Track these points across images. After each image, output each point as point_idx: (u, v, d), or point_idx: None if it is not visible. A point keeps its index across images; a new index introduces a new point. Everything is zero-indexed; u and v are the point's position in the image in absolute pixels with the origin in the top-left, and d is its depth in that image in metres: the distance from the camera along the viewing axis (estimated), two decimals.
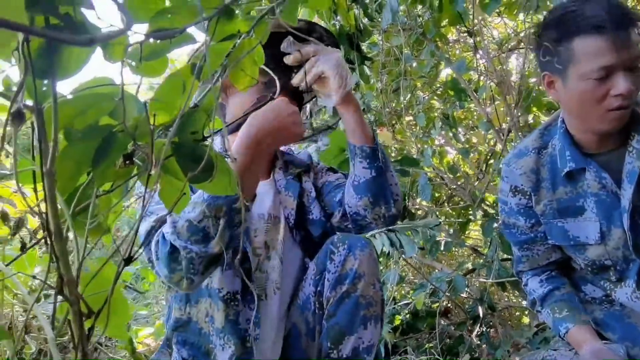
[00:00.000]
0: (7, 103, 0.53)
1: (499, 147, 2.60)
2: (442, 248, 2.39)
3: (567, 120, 1.26)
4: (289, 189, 1.33)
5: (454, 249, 2.80)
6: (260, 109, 1.12)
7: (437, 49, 2.42)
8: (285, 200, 1.32)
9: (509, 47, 2.74)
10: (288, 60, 1.18)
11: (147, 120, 0.58)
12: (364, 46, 2.42)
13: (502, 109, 2.54)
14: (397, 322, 2.44)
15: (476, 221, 2.67)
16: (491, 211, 2.39)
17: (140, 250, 1.03)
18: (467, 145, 2.89)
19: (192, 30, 0.60)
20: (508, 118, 2.43)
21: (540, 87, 2.27)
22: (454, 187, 2.76)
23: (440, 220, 2.57)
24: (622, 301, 1.26)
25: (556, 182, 1.27)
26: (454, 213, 2.89)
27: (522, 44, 2.64)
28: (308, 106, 2.09)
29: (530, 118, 2.56)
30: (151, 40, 0.59)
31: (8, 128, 0.52)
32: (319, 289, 1.23)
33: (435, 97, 2.91)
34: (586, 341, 1.21)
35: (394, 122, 2.85)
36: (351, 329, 1.17)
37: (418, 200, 2.81)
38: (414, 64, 2.54)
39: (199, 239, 1.02)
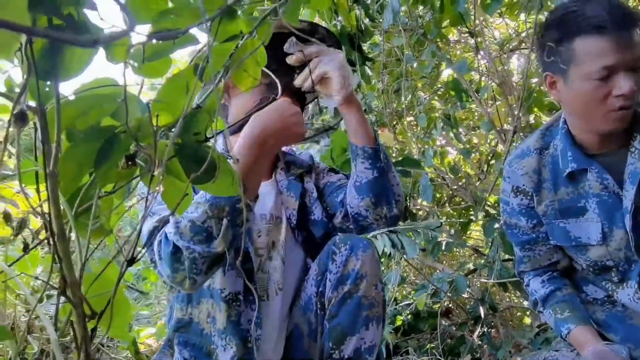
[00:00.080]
0: (10, 104, 0.53)
1: (500, 147, 2.60)
2: (443, 248, 2.39)
3: (568, 120, 1.26)
4: (291, 190, 1.33)
5: (455, 249, 2.80)
6: (262, 109, 1.12)
7: (439, 49, 2.42)
8: (287, 200, 1.32)
9: (510, 47, 2.74)
10: (291, 60, 1.19)
11: (150, 121, 0.58)
12: (365, 47, 2.43)
13: (503, 109, 2.54)
14: (398, 323, 2.44)
15: (477, 221, 2.67)
16: (492, 211, 2.39)
17: (143, 251, 1.03)
18: (468, 146, 2.89)
19: (194, 31, 0.60)
20: (509, 118, 2.43)
21: (541, 88, 2.27)
22: (455, 187, 2.76)
23: (442, 220, 2.57)
24: (624, 302, 1.26)
25: (558, 182, 1.27)
26: (455, 213, 2.89)
27: (524, 44, 2.64)
28: (310, 107, 2.09)
29: (531, 118, 2.55)
30: (154, 41, 0.59)
31: (11, 129, 0.52)
32: (320, 289, 1.22)
33: (437, 98, 2.91)
34: (588, 342, 1.21)
35: (395, 122, 2.85)
36: (353, 329, 1.17)
37: (419, 200, 2.81)
38: (415, 65, 2.54)
39: (202, 239, 1.02)
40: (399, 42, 2.41)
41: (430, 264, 2.76)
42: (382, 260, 2.44)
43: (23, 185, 0.57)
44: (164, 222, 1.09)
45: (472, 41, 2.47)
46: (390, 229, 2.06)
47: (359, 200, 1.24)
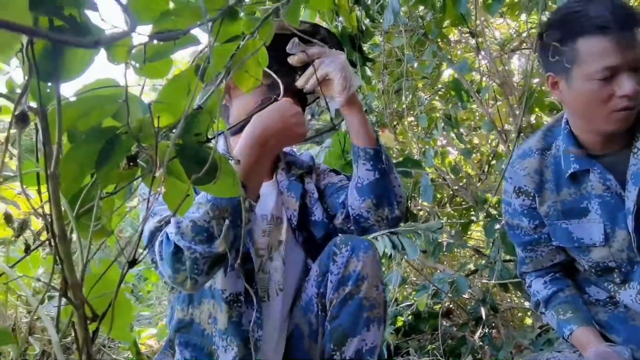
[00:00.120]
0: (11, 105, 0.53)
1: (501, 147, 2.60)
2: (444, 249, 2.39)
3: (571, 121, 1.25)
4: (292, 190, 1.33)
5: (456, 250, 2.80)
6: (263, 109, 1.12)
7: (439, 49, 2.42)
8: (287, 201, 1.32)
9: (511, 47, 2.74)
10: (292, 60, 1.19)
11: (151, 122, 0.58)
12: (365, 47, 2.42)
13: (504, 109, 2.54)
14: (399, 324, 2.44)
15: (478, 222, 2.67)
16: (493, 212, 2.39)
17: (145, 253, 1.03)
18: (469, 146, 2.89)
19: (195, 31, 0.60)
20: (510, 119, 2.43)
21: (542, 88, 2.26)
22: (456, 188, 2.76)
23: (442, 221, 2.57)
24: (627, 303, 1.26)
25: (560, 183, 1.27)
26: (456, 214, 2.88)
27: (525, 44, 2.64)
28: (310, 107, 2.09)
29: (532, 119, 2.55)
30: (155, 41, 0.59)
31: (12, 130, 0.52)
32: (321, 290, 1.22)
33: (437, 98, 2.91)
34: (590, 343, 1.21)
35: (395, 123, 2.85)
36: (354, 330, 1.17)
37: (420, 201, 2.81)
38: (416, 65, 2.53)
39: (203, 239, 1.02)
40: (399, 43, 2.41)
41: (431, 265, 2.76)
42: (383, 261, 2.44)
43: (24, 186, 0.57)
44: (165, 222, 1.09)
45: (473, 41, 2.47)
46: (391, 230, 2.06)
47: (361, 202, 1.24)
